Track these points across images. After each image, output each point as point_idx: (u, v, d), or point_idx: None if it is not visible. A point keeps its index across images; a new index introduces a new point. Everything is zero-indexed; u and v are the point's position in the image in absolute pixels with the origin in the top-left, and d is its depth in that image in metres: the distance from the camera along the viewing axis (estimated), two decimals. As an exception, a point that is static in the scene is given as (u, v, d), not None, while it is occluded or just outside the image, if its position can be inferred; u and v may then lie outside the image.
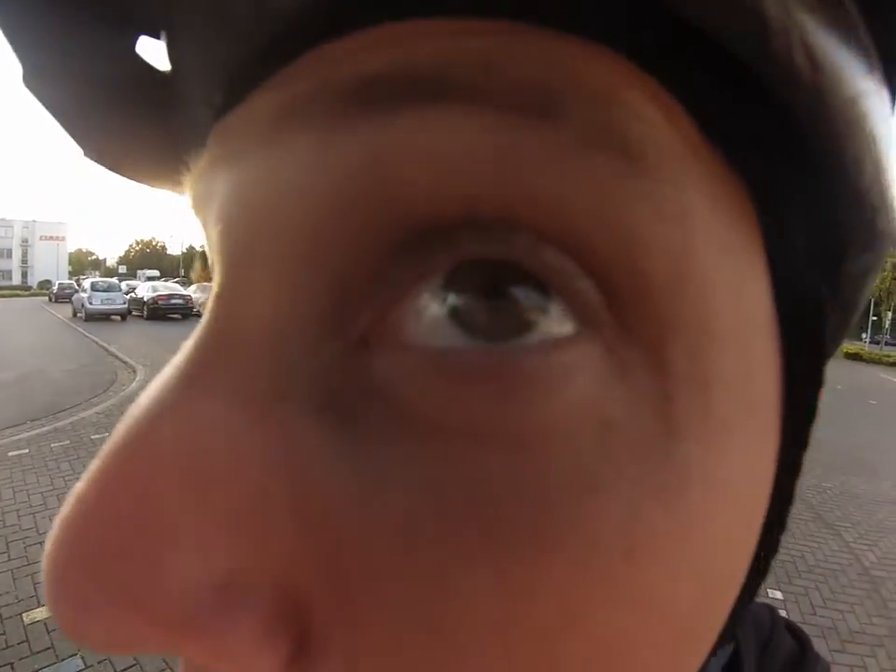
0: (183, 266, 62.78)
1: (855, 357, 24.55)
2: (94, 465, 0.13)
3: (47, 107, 0.17)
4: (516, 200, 0.11)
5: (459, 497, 0.11)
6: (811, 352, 0.15)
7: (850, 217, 0.13)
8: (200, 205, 0.16)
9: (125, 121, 0.17)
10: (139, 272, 60.22)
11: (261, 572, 0.12)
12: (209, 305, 0.15)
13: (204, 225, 0.16)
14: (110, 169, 0.20)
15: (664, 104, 0.12)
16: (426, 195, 0.11)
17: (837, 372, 18.96)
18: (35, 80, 0.16)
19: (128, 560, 0.11)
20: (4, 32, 0.14)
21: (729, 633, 0.17)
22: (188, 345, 0.15)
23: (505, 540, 0.11)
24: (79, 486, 0.13)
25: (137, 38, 0.15)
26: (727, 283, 0.12)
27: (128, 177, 0.21)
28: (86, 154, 0.19)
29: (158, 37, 0.15)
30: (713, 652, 0.16)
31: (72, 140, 0.18)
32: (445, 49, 0.11)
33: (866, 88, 0.12)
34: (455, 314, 0.12)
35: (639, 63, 0.11)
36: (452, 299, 0.12)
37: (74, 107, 0.17)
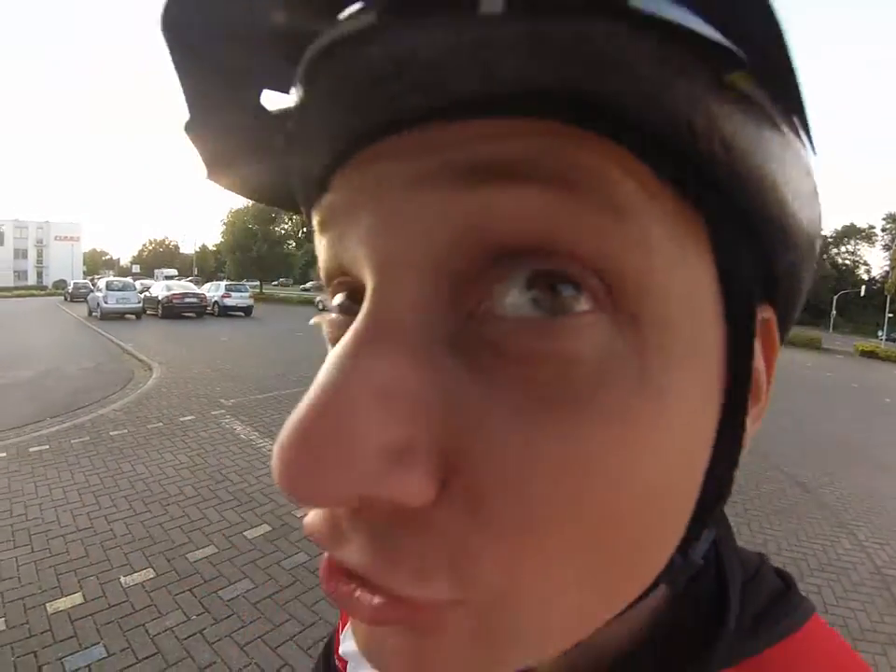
0: (196, 265, 63.08)
1: (871, 354, 24.42)
2: (306, 397, 0.20)
3: (196, 145, 0.24)
4: (558, 240, 0.18)
5: (535, 393, 0.18)
6: (746, 324, 0.22)
7: (770, 234, 0.21)
8: (334, 226, 0.22)
9: (249, 159, 0.24)
10: (156, 271, 60.34)
11: (423, 444, 0.18)
12: (369, 294, 0.20)
13: (339, 238, 0.22)
14: (227, 189, 0.26)
15: (641, 176, 0.18)
16: (508, 235, 0.18)
17: (853, 370, 18.85)
18: (193, 126, 0.23)
19: (340, 441, 0.18)
20: (185, 92, 0.22)
21: (697, 529, 0.24)
22: (358, 321, 0.20)
23: (559, 414, 0.18)
24: (301, 406, 0.19)
25: (261, 91, 0.21)
26: (681, 281, 0.20)
27: (242, 196, 0.28)
28: (210, 178, 0.26)
29: (285, 92, 0.21)
30: (686, 545, 0.24)
31: (202, 167, 0.25)
32: (515, 145, 0.18)
33: (769, 150, 0.19)
34: (532, 299, 0.19)
35: (628, 149, 0.18)
36: (531, 291, 0.19)
37: (215, 146, 0.24)
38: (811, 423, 8.70)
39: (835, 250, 78.74)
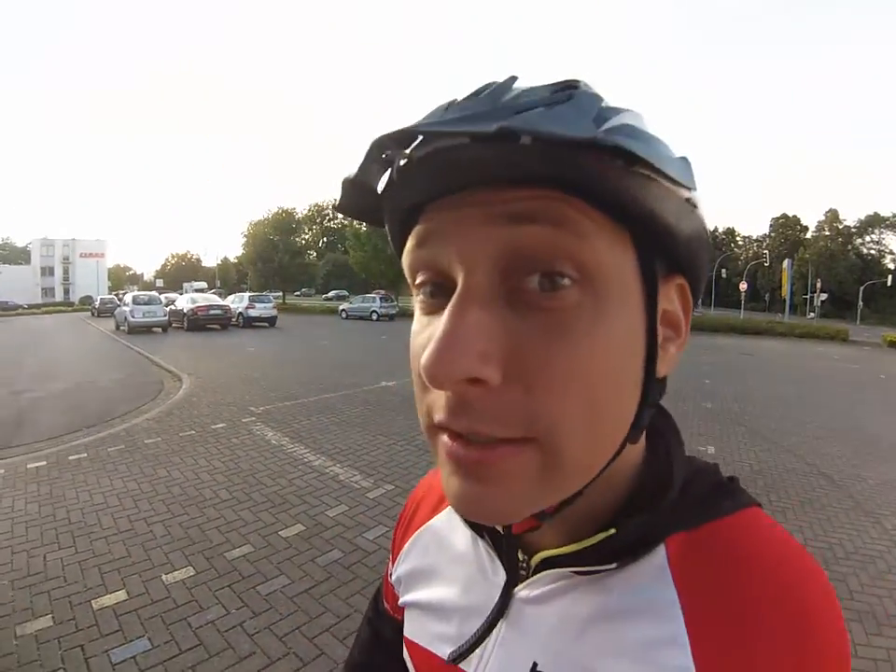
0: (218, 277, 63.78)
1: None
2: (440, 330, 0.32)
3: (342, 210, 0.40)
4: (553, 250, 0.32)
5: (548, 325, 0.33)
6: (652, 284, 0.37)
7: (663, 237, 0.35)
8: (432, 244, 0.36)
9: (368, 212, 0.40)
10: (185, 284, 60.91)
11: (495, 351, 0.32)
12: (461, 279, 0.34)
13: (436, 250, 0.35)
14: (354, 218, 0.41)
15: (594, 216, 0.33)
16: (528, 250, 0.33)
17: (880, 361, 18.46)
18: (341, 208, 0.39)
19: (458, 354, 0.32)
20: (345, 198, 0.37)
21: (643, 412, 0.38)
22: (458, 293, 0.34)
23: (560, 334, 0.33)
24: (438, 333, 0.32)
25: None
26: (614, 263, 0.34)
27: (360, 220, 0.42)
28: (338, 210, 0.40)
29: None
30: (638, 421, 0.37)
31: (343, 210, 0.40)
32: (532, 204, 0.32)
33: (658, 198, 0.33)
34: (541, 281, 0.33)
35: (587, 203, 0.32)
36: (541, 279, 0.33)
37: (351, 209, 0.39)
38: (838, 415, 8.61)
39: (860, 240, 76.85)
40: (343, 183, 0.36)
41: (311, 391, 9.06)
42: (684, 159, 0.36)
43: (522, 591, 0.46)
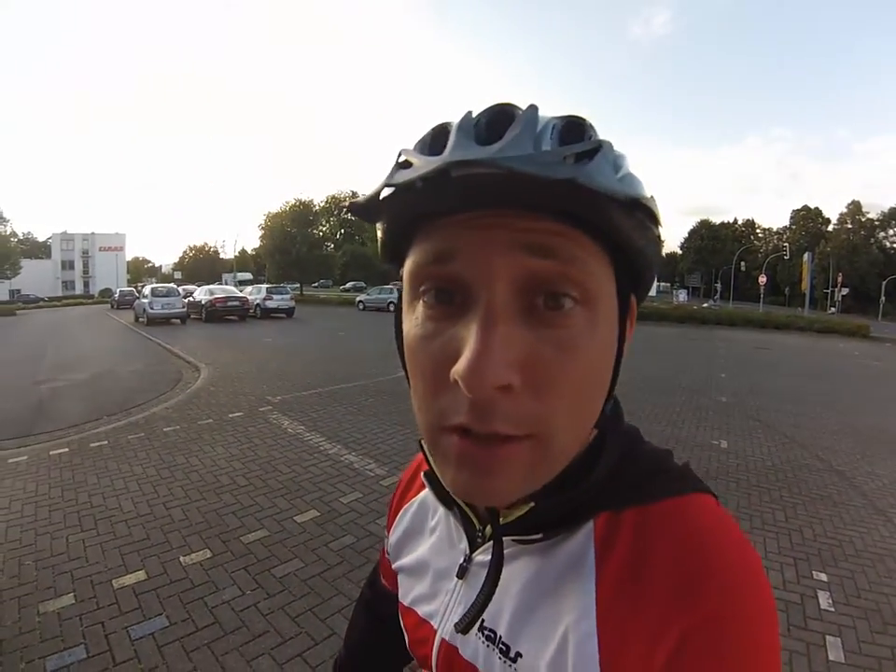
0: (236, 269, 64.12)
1: None
2: (475, 342, 0.37)
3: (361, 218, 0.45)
4: (563, 276, 0.39)
5: (557, 337, 0.39)
6: (626, 304, 0.45)
7: (637, 265, 0.44)
8: (457, 259, 0.39)
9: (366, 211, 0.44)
10: (224, 275, 59.86)
11: (517, 362, 0.38)
12: (485, 297, 0.39)
13: (460, 265, 0.39)
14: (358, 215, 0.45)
15: (593, 249, 0.40)
16: (542, 273, 0.38)
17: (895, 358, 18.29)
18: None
19: (496, 366, 0.36)
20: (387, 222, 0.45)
21: (606, 407, 0.46)
22: (484, 309, 0.38)
23: (566, 347, 0.39)
24: (473, 346, 0.36)
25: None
26: (605, 288, 0.41)
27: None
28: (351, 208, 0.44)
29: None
30: (607, 400, 0.46)
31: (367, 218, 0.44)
32: (549, 239, 0.38)
33: (639, 234, 0.41)
34: (544, 301, 0.39)
35: (590, 238, 0.40)
36: (549, 299, 0.39)
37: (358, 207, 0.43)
38: (854, 411, 8.53)
39: (882, 234, 75.26)
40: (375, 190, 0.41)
41: (327, 381, 9.16)
42: (653, 198, 0.42)
43: (478, 556, 0.53)
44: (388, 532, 0.72)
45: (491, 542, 0.51)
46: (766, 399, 9.14)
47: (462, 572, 0.54)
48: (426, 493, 0.66)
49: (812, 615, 3.03)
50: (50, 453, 5.47)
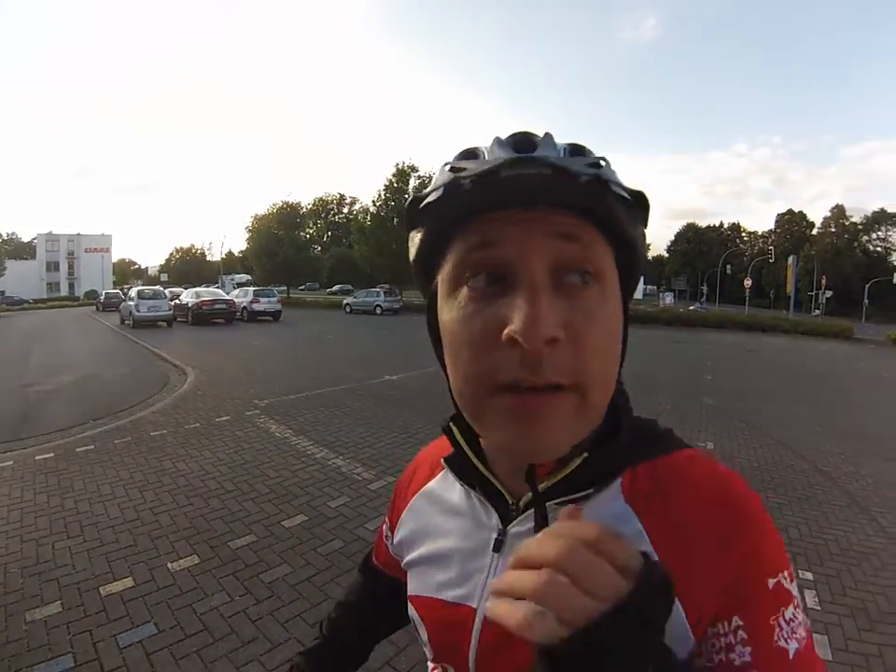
0: (222, 272, 63.65)
1: None
2: (527, 307, 0.43)
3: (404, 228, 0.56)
4: (586, 257, 0.47)
5: (583, 304, 0.46)
6: (627, 283, 0.53)
7: (633, 255, 0.52)
8: (500, 247, 0.46)
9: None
10: (222, 277, 56.15)
11: (558, 321, 0.44)
12: (528, 275, 0.45)
13: (503, 251, 0.46)
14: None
15: (602, 240, 0.48)
16: (569, 255, 0.46)
17: (884, 360, 18.38)
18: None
19: (546, 322, 0.43)
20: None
21: (621, 371, 0.53)
22: (527, 285, 0.45)
23: (590, 310, 0.46)
24: (526, 311, 0.43)
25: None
26: (611, 271, 0.50)
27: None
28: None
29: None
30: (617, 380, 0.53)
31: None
32: (575, 228, 0.46)
33: (636, 231, 0.50)
34: (576, 276, 0.47)
35: (603, 233, 0.48)
36: (577, 275, 0.47)
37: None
38: (838, 412, 8.64)
39: (865, 237, 76.03)
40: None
41: (314, 385, 9.14)
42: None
43: (514, 528, 0.56)
44: (392, 528, 0.75)
45: (528, 512, 0.55)
46: (752, 400, 9.23)
47: (499, 545, 0.57)
48: (431, 485, 0.69)
49: (799, 615, 3.05)
50: (36, 458, 5.42)
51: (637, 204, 0.49)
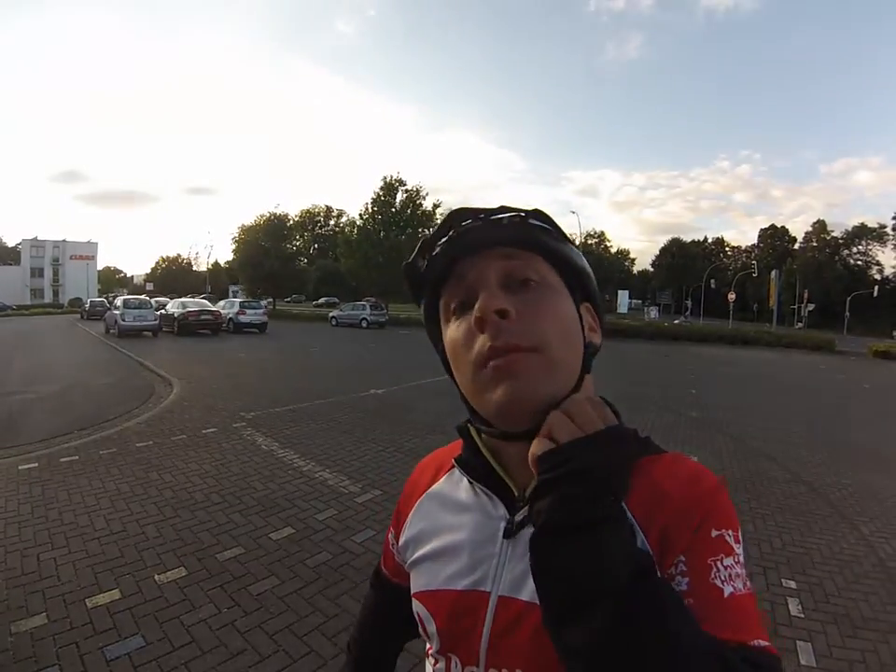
0: (209, 282, 63.30)
1: (885, 355, 24.23)
2: (480, 300, 0.59)
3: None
4: (531, 273, 0.63)
5: (533, 299, 0.61)
6: (578, 289, 0.67)
7: (576, 268, 0.67)
8: (465, 279, 0.63)
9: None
10: (231, 287, 51.85)
11: (510, 306, 0.58)
12: (483, 288, 0.61)
13: (469, 285, 0.62)
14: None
15: (543, 263, 0.64)
16: (517, 272, 0.62)
17: (866, 371, 18.66)
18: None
19: (494, 301, 0.58)
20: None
21: (588, 360, 0.65)
22: (487, 291, 0.60)
23: (537, 300, 0.61)
24: (480, 301, 0.59)
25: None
26: (556, 280, 0.64)
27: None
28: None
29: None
30: (585, 363, 0.64)
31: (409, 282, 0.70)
32: (519, 254, 0.63)
33: (562, 247, 0.67)
34: (517, 283, 0.62)
35: (543, 258, 0.65)
36: (520, 282, 0.62)
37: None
38: (821, 423, 8.77)
39: (846, 251, 77.22)
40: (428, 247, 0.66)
41: (301, 397, 9.13)
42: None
43: (520, 516, 0.63)
44: (398, 532, 0.80)
45: None
46: (735, 412, 9.33)
47: (508, 533, 0.63)
48: (438, 486, 0.75)
49: (782, 622, 3.11)
50: (20, 467, 5.36)
51: (553, 231, 0.65)
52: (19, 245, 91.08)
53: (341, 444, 6.44)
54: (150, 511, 4.30)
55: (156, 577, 3.33)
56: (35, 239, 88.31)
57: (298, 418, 7.69)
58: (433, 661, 0.68)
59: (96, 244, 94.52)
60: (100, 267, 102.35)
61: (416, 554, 0.73)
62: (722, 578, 0.52)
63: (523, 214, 0.64)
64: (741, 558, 0.55)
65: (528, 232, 0.63)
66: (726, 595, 0.51)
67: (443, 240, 0.64)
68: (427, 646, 0.70)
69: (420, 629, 0.70)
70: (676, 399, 10.34)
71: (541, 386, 0.57)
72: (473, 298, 0.60)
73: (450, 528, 0.69)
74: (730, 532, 0.55)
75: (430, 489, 0.76)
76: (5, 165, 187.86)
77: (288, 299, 50.70)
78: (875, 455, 6.98)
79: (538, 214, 0.65)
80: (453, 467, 0.74)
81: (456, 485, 0.72)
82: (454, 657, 0.65)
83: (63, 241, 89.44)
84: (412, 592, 0.71)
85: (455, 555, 0.67)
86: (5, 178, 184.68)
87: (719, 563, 0.52)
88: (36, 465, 5.44)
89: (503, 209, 0.64)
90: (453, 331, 0.63)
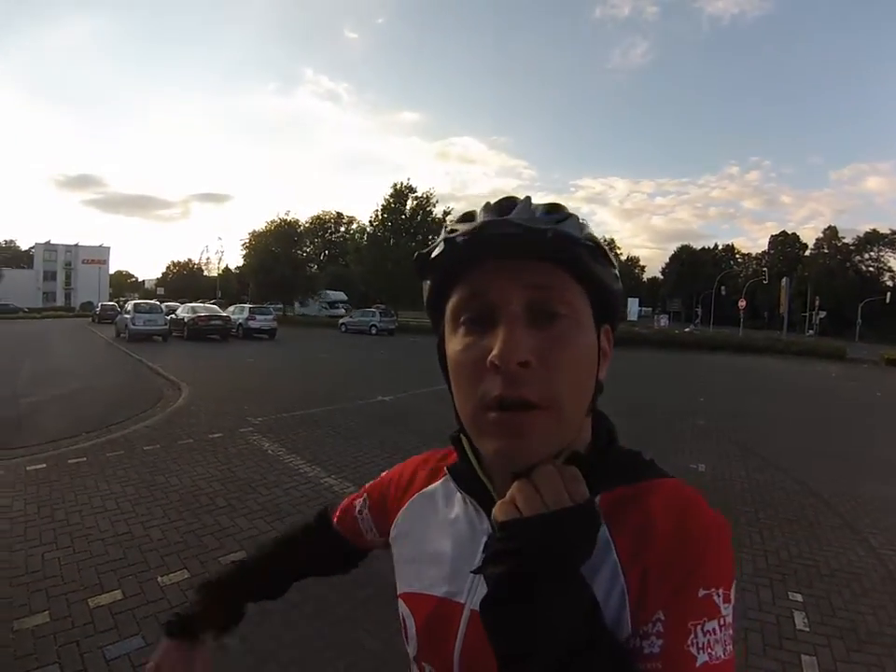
0: (219, 287, 63.53)
1: None
2: (503, 341, 0.53)
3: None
4: (561, 302, 0.57)
5: (559, 339, 0.55)
6: (603, 314, 0.62)
7: (607, 296, 0.62)
8: (482, 295, 0.57)
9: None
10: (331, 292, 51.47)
11: (532, 351, 0.53)
12: (506, 310, 0.56)
13: (488, 295, 0.57)
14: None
15: (572, 282, 0.58)
16: (547, 302, 0.56)
17: (878, 379, 18.46)
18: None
19: (518, 349, 0.53)
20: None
21: (594, 399, 0.62)
22: (508, 317, 0.55)
23: (563, 342, 0.55)
24: (501, 340, 0.53)
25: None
26: (585, 309, 0.59)
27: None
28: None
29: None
30: (592, 406, 0.61)
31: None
32: (550, 280, 0.57)
33: (607, 274, 0.61)
34: (544, 315, 0.56)
35: (574, 277, 0.58)
36: (545, 314, 0.57)
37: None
38: (831, 433, 8.69)
39: (858, 258, 76.66)
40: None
41: (308, 403, 9.15)
42: (612, 241, 0.56)
43: None
44: (382, 519, 0.83)
45: None
46: (744, 421, 9.26)
47: (487, 548, 0.62)
48: (432, 489, 0.76)
49: (788, 635, 3.07)
50: (28, 468, 5.40)
51: (598, 251, 0.59)
52: (32, 248, 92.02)
53: (347, 451, 6.44)
54: (156, 514, 4.32)
55: (159, 578, 3.35)
56: (49, 243, 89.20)
57: (305, 424, 7.71)
58: (413, 669, 0.70)
59: (108, 248, 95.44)
60: (112, 271, 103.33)
61: (403, 553, 0.74)
62: (700, 644, 0.49)
63: (568, 219, 0.57)
64: (729, 619, 0.51)
65: (566, 249, 0.56)
66: (698, 664, 0.48)
67: (472, 228, 0.56)
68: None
69: (402, 632, 0.71)
70: (684, 407, 10.30)
71: (545, 446, 0.54)
72: (490, 318, 0.56)
73: (438, 534, 0.70)
74: (720, 591, 0.52)
75: (425, 490, 0.77)
76: (20, 169, 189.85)
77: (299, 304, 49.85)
78: (886, 465, 6.90)
79: (582, 227, 0.58)
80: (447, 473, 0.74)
81: (451, 493, 0.72)
82: (428, 667, 0.66)
83: (76, 245, 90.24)
84: (397, 592, 0.73)
85: (438, 562, 0.68)
86: (20, 182, 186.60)
87: (699, 627, 0.50)
88: (45, 465, 5.49)
89: (552, 209, 0.58)
90: (458, 348, 0.58)
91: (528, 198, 0.59)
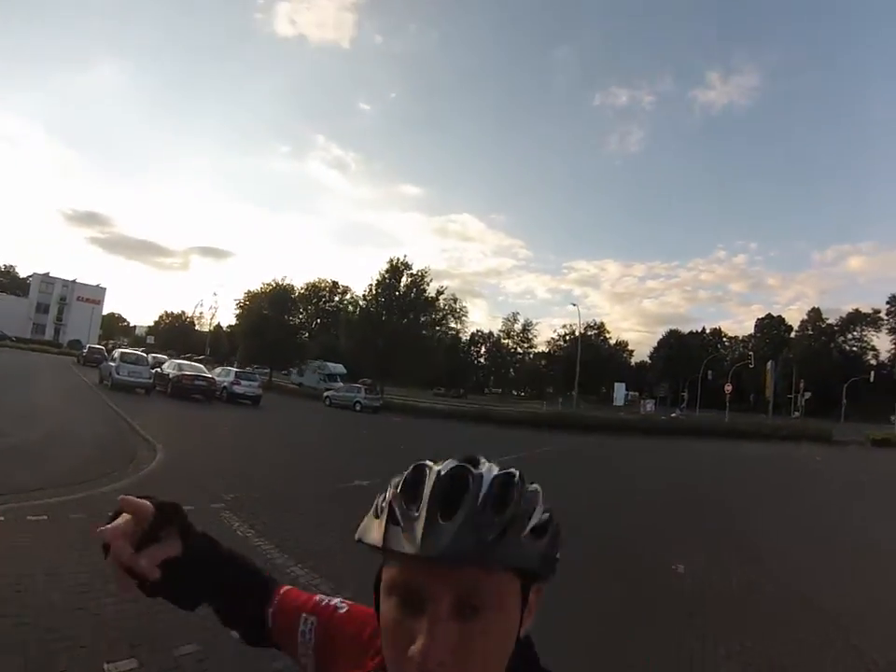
0: (209, 345, 63.24)
1: (883, 443, 24.20)
2: (424, 644, 0.54)
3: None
4: (488, 600, 0.58)
5: (482, 632, 0.58)
6: (525, 601, 0.62)
7: (544, 570, 0.61)
8: (416, 586, 0.57)
9: None
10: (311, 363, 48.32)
11: (451, 651, 0.55)
12: (431, 608, 0.55)
13: (417, 592, 0.57)
14: None
15: (508, 579, 0.58)
16: (473, 598, 0.57)
17: (864, 462, 18.49)
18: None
19: (440, 656, 0.54)
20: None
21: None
22: (431, 615, 0.55)
23: (486, 634, 0.57)
24: (423, 639, 0.54)
25: None
26: (513, 598, 0.60)
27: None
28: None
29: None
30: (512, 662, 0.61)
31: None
32: (481, 586, 0.57)
33: (547, 550, 0.61)
34: (470, 610, 0.57)
35: (508, 571, 0.58)
36: (472, 608, 0.57)
37: None
38: (816, 522, 8.70)
39: (841, 338, 78.27)
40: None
41: (283, 483, 8.99)
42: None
43: None
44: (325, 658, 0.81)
45: None
46: (727, 514, 9.19)
47: None
48: None
49: None
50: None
51: (546, 527, 0.61)
52: (30, 277, 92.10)
53: (318, 540, 6.20)
54: (111, 590, 4.02)
55: (105, 665, 3.13)
56: (47, 275, 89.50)
57: (279, 506, 7.46)
58: None
59: (104, 289, 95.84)
60: (105, 312, 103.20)
61: None
62: None
63: (510, 540, 0.57)
64: None
65: (507, 549, 0.57)
66: None
67: (412, 542, 0.56)
68: None
69: None
70: (663, 499, 10.23)
71: None
72: (419, 604, 0.56)
73: None
74: None
75: None
76: (31, 195, 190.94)
77: (285, 372, 48.06)
78: (873, 555, 6.84)
79: (520, 506, 0.60)
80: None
81: None
82: None
83: (74, 281, 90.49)
84: None
85: None
86: (28, 208, 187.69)
87: None
88: (2, 518, 5.30)
89: (501, 496, 0.60)
90: (389, 616, 0.59)
91: (476, 496, 0.59)
